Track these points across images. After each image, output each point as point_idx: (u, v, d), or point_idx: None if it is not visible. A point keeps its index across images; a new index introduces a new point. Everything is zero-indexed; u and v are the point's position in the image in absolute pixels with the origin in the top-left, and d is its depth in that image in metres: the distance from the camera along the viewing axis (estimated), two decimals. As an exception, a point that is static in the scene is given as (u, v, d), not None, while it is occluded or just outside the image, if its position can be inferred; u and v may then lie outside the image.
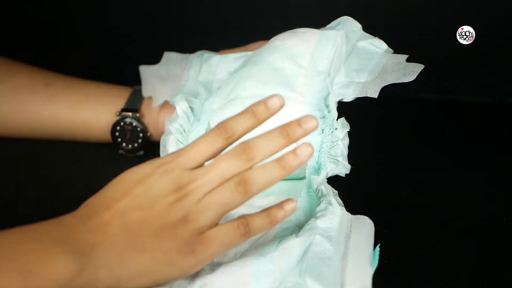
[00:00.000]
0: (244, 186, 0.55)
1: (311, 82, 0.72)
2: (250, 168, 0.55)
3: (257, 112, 0.56)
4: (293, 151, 0.55)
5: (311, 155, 0.55)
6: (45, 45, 1.06)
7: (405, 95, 0.98)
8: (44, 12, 1.05)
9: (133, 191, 0.56)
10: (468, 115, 0.95)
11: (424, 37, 0.99)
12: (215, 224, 0.56)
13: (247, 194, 0.55)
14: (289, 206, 0.55)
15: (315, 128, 0.55)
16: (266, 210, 0.56)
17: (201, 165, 0.57)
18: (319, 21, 0.76)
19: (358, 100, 0.70)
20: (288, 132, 0.55)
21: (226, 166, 0.55)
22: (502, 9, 0.98)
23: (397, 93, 0.95)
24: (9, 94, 0.83)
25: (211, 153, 0.57)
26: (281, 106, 0.56)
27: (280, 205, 0.56)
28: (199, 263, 0.56)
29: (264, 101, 0.56)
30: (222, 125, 0.57)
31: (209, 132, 0.57)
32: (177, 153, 0.57)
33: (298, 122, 0.55)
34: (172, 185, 0.56)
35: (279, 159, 0.55)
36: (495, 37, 0.98)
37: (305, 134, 0.56)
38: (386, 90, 0.69)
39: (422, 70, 0.69)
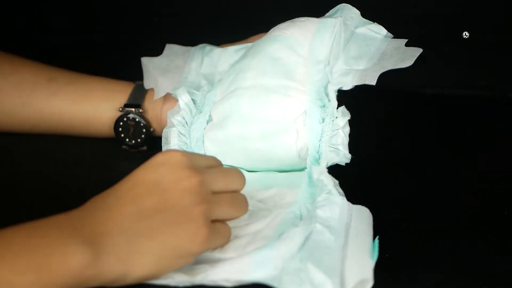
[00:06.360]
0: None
1: (310, 71, 0.72)
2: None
3: None
4: None
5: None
6: (47, 41, 1.06)
7: (406, 89, 0.98)
8: (47, 8, 1.05)
9: (144, 180, 0.56)
10: (469, 110, 0.95)
11: (425, 31, 0.99)
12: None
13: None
14: None
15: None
16: None
17: None
18: (320, 12, 0.76)
19: (360, 94, 0.70)
20: None
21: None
22: (503, 4, 0.98)
23: (398, 87, 0.95)
24: (12, 89, 0.83)
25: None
26: None
27: None
28: (203, 251, 0.57)
29: None
30: None
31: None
32: None
33: None
34: (187, 171, 0.57)
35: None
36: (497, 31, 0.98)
37: None
38: (388, 84, 0.69)
39: (425, 64, 0.69)
